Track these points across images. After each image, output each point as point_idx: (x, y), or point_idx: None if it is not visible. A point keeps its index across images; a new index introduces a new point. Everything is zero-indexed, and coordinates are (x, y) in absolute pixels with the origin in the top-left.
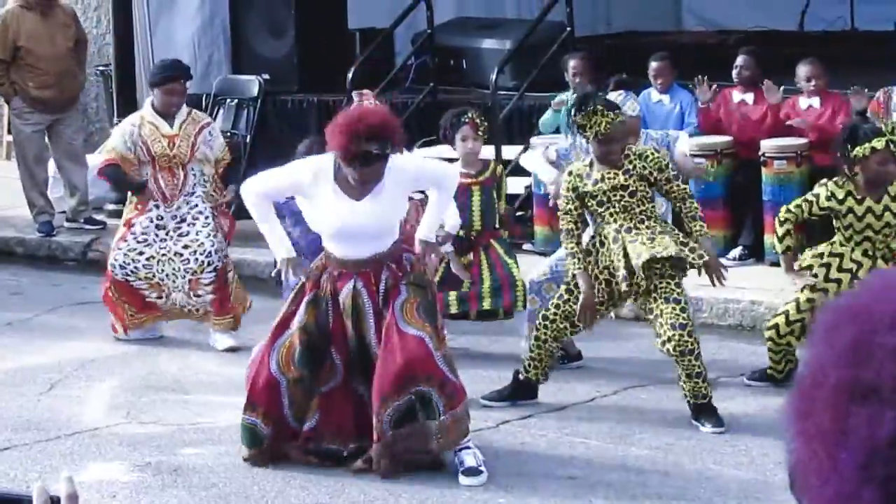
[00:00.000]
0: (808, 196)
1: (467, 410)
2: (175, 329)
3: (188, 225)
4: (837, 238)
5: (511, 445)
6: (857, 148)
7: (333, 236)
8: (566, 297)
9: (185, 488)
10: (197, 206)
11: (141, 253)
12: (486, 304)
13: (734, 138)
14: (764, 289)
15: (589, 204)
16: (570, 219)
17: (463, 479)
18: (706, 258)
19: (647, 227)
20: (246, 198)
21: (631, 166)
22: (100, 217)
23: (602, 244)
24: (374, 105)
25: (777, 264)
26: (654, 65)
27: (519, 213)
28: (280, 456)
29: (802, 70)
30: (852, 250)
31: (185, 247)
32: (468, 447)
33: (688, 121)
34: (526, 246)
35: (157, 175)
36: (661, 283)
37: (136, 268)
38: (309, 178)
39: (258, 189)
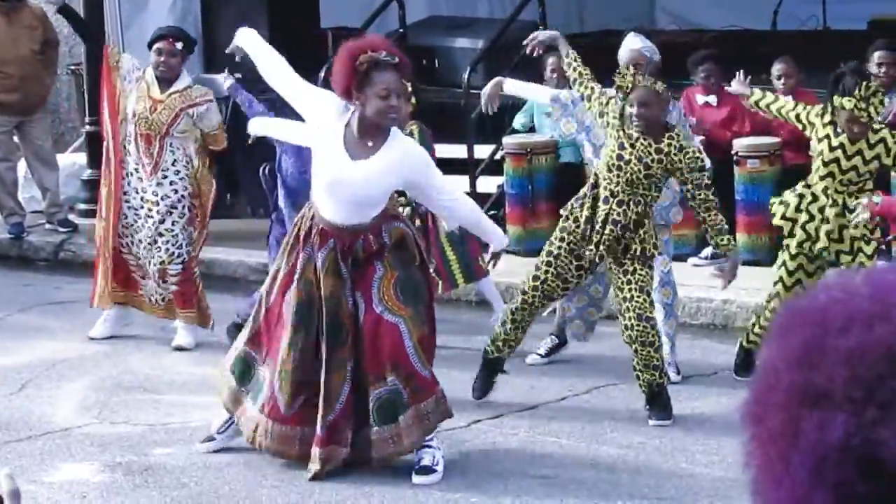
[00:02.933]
0: (799, 105)
1: (440, 408)
2: (147, 328)
3: (166, 212)
4: (800, 187)
5: (483, 445)
6: (835, 98)
7: (323, 188)
8: (543, 276)
9: (156, 488)
10: (178, 191)
11: (137, 231)
12: None
13: (703, 139)
14: (736, 288)
15: (607, 125)
16: (587, 77)
17: (415, 478)
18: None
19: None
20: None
21: (667, 149)
22: (71, 217)
23: (583, 206)
24: None
25: (749, 263)
26: None
27: (491, 213)
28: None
29: (776, 68)
30: (816, 183)
31: (161, 234)
32: (430, 446)
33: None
34: None
35: (138, 140)
36: (639, 268)
37: (130, 241)
38: (334, 111)
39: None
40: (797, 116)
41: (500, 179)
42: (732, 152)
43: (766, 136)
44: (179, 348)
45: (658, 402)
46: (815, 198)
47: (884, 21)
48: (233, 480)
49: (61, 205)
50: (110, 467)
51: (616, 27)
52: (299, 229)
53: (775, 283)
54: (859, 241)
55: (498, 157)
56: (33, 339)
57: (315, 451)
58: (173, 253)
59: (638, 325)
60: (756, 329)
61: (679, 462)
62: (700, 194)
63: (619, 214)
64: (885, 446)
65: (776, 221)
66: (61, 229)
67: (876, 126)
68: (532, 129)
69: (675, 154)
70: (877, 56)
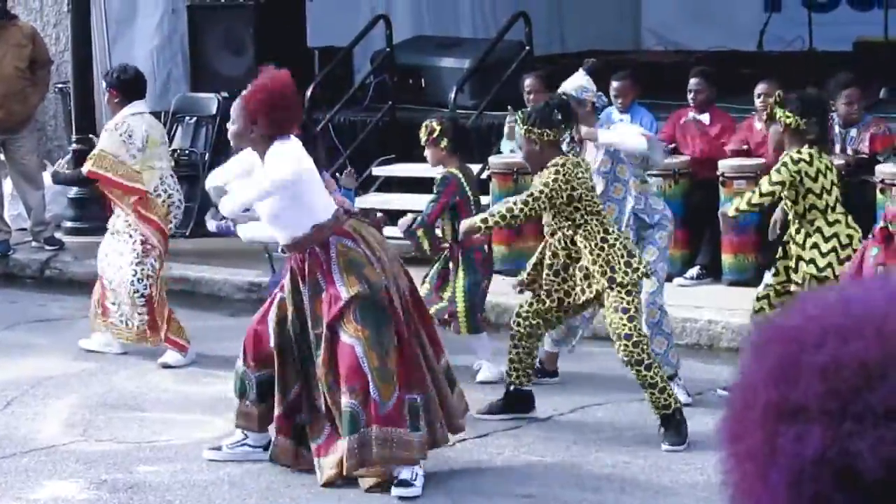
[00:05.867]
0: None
1: (405, 447)
2: (133, 347)
3: (132, 246)
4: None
5: (467, 464)
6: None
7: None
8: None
9: None
10: (131, 225)
11: (110, 263)
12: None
13: (691, 158)
14: (721, 308)
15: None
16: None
17: (393, 490)
18: None
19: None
20: (225, 207)
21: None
22: (58, 235)
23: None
24: None
25: (735, 284)
26: (615, 84)
27: None
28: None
29: (758, 88)
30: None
31: (120, 268)
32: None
33: None
34: None
35: None
36: (612, 292)
37: (103, 267)
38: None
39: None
40: (782, 182)
41: (485, 199)
42: (718, 173)
43: (751, 157)
44: (166, 366)
45: (669, 425)
46: (850, 238)
47: (868, 42)
48: (217, 499)
49: (47, 223)
50: (95, 485)
51: (602, 48)
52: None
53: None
54: None
55: (484, 176)
56: (19, 356)
57: (317, 460)
58: (130, 291)
59: (621, 345)
60: None
61: (664, 481)
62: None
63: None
64: (861, 458)
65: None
66: (48, 247)
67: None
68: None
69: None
70: (844, 94)
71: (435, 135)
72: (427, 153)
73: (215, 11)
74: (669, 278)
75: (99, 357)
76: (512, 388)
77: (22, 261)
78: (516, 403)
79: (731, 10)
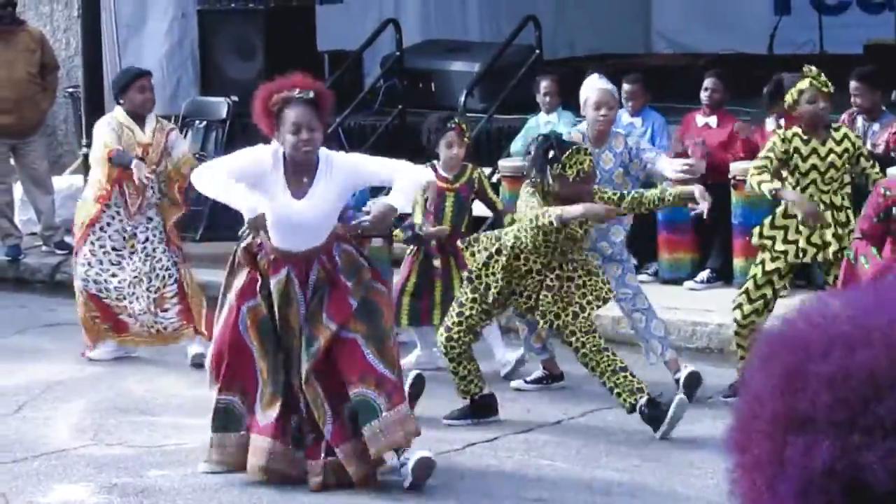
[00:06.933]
0: (764, 151)
1: (411, 413)
2: (143, 350)
3: (150, 242)
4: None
5: (477, 468)
6: (787, 95)
7: (274, 226)
8: (467, 312)
9: None
10: (153, 219)
11: (114, 275)
12: (435, 320)
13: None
14: (732, 311)
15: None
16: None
17: (417, 457)
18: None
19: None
20: (200, 180)
21: None
22: (68, 239)
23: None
24: None
25: None
26: (626, 87)
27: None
28: (235, 465)
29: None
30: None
31: (152, 268)
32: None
33: (659, 144)
34: None
35: (124, 183)
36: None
37: (107, 288)
38: (270, 160)
39: (215, 171)
40: (776, 154)
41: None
42: (730, 176)
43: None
44: (199, 364)
45: (649, 418)
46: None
47: (879, 45)
48: (228, 502)
49: (57, 227)
50: (106, 489)
51: (613, 51)
52: (240, 259)
53: (738, 294)
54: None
55: (494, 179)
56: (29, 360)
57: (311, 464)
58: (163, 277)
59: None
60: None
61: (674, 485)
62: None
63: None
64: (870, 470)
65: (755, 241)
66: (58, 252)
67: (835, 125)
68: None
69: None
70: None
71: (467, 134)
72: (460, 152)
73: (225, 16)
74: (680, 281)
75: (109, 361)
76: (476, 397)
77: (32, 265)
78: (481, 411)
79: (741, 13)
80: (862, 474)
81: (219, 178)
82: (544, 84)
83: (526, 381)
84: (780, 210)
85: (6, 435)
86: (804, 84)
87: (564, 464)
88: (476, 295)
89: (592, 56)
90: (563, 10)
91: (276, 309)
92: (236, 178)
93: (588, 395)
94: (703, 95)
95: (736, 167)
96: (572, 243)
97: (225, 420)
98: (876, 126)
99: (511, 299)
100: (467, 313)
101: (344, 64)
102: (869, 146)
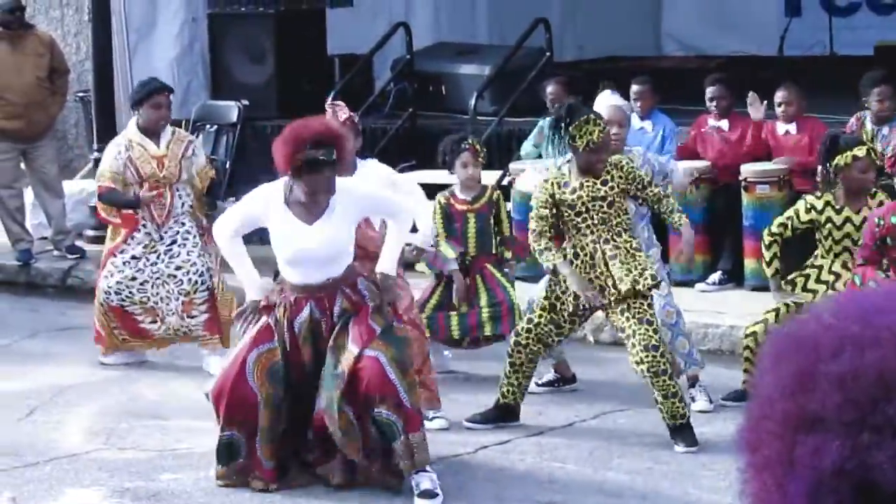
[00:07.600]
0: (788, 213)
1: (425, 447)
2: (155, 354)
3: (178, 246)
4: (818, 251)
5: (489, 470)
6: (839, 157)
7: (288, 261)
8: (537, 319)
9: None
10: (185, 224)
11: (133, 279)
12: (487, 331)
13: (712, 163)
14: (743, 314)
15: (565, 213)
16: (545, 224)
17: (418, 502)
18: (683, 252)
19: (624, 241)
20: (217, 239)
21: (609, 177)
22: (79, 243)
23: (577, 256)
24: (340, 115)
25: (757, 289)
26: (634, 88)
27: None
28: (245, 482)
29: (777, 96)
30: (832, 262)
31: (178, 268)
32: (425, 470)
33: (668, 147)
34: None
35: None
36: (634, 302)
37: (130, 293)
38: (261, 206)
39: (225, 229)
40: (795, 223)
41: (507, 206)
42: (741, 178)
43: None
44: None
45: (681, 431)
46: (836, 276)
47: (889, 47)
48: None
49: (68, 231)
50: (118, 493)
51: (623, 53)
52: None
53: (756, 323)
54: None
55: (505, 182)
56: (41, 364)
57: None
58: (196, 282)
59: (646, 356)
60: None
61: (686, 487)
62: (647, 192)
63: (612, 254)
64: (880, 470)
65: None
66: (69, 256)
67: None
68: (539, 156)
69: (615, 174)
70: (876, 92)
71: (481, 154)
72: (476, 172)
73: (235, 20)
74: (691, 284)
75: (120, 366)
76: (501, 402)
77: (44, 270)
78: (505, 415)
79: (751, 14)
80: (872, 474)
81: (233, 248)
82: (550, 89)
83: (537, 384)
84: (808, 263)
85: (17, 439)
86: (861, 152)
87: (576, 466)
88: (547, 303)
89: (602, 58)
90: (573, 12)
91: (304, 350)
92: (249, 224)
93: (599, 397)
94: (710, 105)
95: (747, 169)
96: None
97: (228, 455)
98: (885, 129)
99: (585, 313)
100: (536, 320)
101: (354, 67)
102: (879, 149)
